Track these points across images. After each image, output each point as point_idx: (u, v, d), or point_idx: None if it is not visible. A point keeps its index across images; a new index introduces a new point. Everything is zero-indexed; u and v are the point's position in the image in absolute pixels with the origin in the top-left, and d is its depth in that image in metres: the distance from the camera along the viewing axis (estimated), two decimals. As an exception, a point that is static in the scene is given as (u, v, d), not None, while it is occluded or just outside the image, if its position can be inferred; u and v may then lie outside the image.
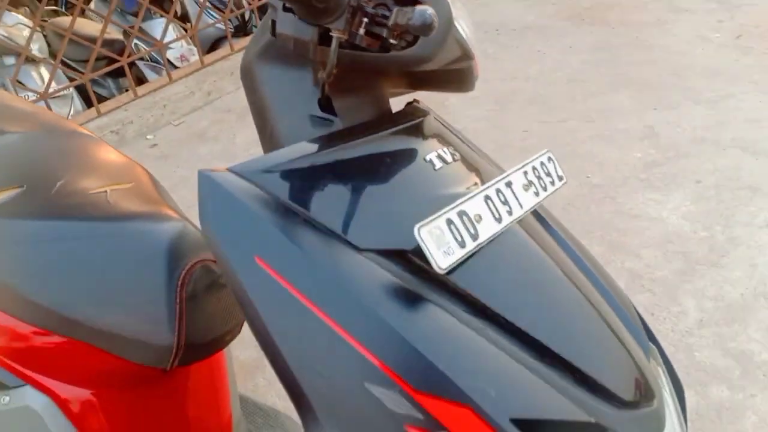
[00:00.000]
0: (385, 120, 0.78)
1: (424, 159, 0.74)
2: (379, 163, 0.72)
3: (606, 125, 3.28)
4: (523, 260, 0.72)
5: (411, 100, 0.91)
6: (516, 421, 0.59)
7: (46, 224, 1.08)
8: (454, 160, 0.76)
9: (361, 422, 0.62)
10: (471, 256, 0.67)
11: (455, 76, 0.81)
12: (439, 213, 0.64)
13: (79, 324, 1.04)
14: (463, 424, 0.59)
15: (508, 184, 0.73)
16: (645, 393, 0.69)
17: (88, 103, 3.86)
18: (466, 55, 0.77)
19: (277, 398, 1.93)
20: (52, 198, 1.13)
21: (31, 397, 1.15)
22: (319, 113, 0.79)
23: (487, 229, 0.68)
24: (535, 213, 0.83)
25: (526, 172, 0.76)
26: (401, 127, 0.76)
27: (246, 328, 1.25)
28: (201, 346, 1.10)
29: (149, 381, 1.15)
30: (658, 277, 2.26)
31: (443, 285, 0.66)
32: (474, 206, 0.68)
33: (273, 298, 0.64)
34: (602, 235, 2.49)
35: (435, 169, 0.74)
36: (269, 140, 0.80)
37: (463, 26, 0.77)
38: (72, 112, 3.95)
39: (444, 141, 0.79)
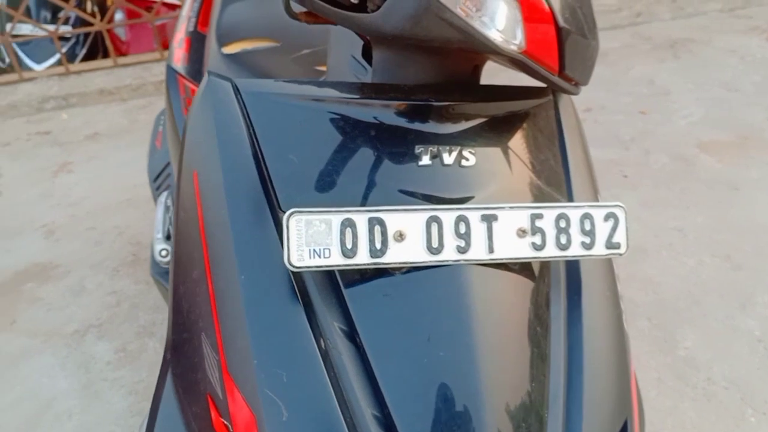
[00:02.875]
0: (431, 90, 0.64)
1: (414, 148, 0.60)
2: (357, 131, 0.61)
3: None
4: (450, 314, 0.55)
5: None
6: None
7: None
8: (460, 165, 0.60)
9: (187, 367, 0.60)
10: (379, 276, 0.55)
11: (522, 67, 0.62)
12: (339, 209, 0.53)
13: None
14: (242, 423, 0.53)
15: (489, 218, 0.56)
16: None
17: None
18: (480, 44, 0.56)
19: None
20: (293, 61, 1.23)
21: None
22: (359, 57, 0.71)
23: (407, 254, 0.54)
24: (567, 266, 0.62)
25: (539, 216, 0.57)
26: (426, 103, 0.62)
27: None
28: None
29: None
30: None
31: (337, 290, 0.56)
32: (401, 220, 0.54)
33: (186, 218, 0.63)
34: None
35: (418, 165, 0.59)
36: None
37: (498, 15, 0.56)
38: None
39: (476, 137, 0.62)
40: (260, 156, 0.60)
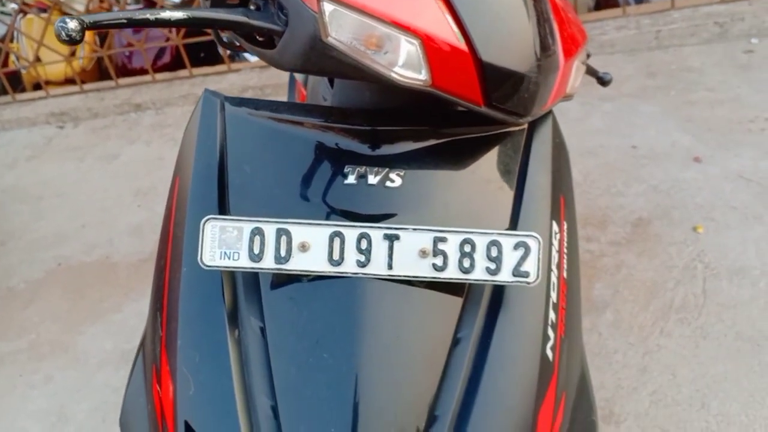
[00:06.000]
0: (379, 115, 0.67)
1: (344, 168, 0.63)
2: (301, 149, 0.65)
3: None
4: (340, 321, 0.58)
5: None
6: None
7: None
8: (384, 186, 0.62)
9: (148, 339, 0.71)
10: (291, 282, 0.61)
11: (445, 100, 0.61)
12: (251, 219, 0.59)
13: None
14: (166, 392, 0.62)
15: (391, 237, 0.58)
16: None
17: None
18: (384, 79, 0.59)
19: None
20: None
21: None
22: (326, 81, 0.75)
23: (309, 263, 0.58)
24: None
25: (442, 239, 0.57)
26: (361, 127, 0.65)
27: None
28: None
29: None
30: None
31: (258, 291, 0.63)
32: (306, 233, 0.58)
33: (166, 216, 0.73)
34: None
35: (343, 183, 0.63)
36: None
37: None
38: None
39: (411, 161, 0.63)
40: (225, 166, 0.68)
